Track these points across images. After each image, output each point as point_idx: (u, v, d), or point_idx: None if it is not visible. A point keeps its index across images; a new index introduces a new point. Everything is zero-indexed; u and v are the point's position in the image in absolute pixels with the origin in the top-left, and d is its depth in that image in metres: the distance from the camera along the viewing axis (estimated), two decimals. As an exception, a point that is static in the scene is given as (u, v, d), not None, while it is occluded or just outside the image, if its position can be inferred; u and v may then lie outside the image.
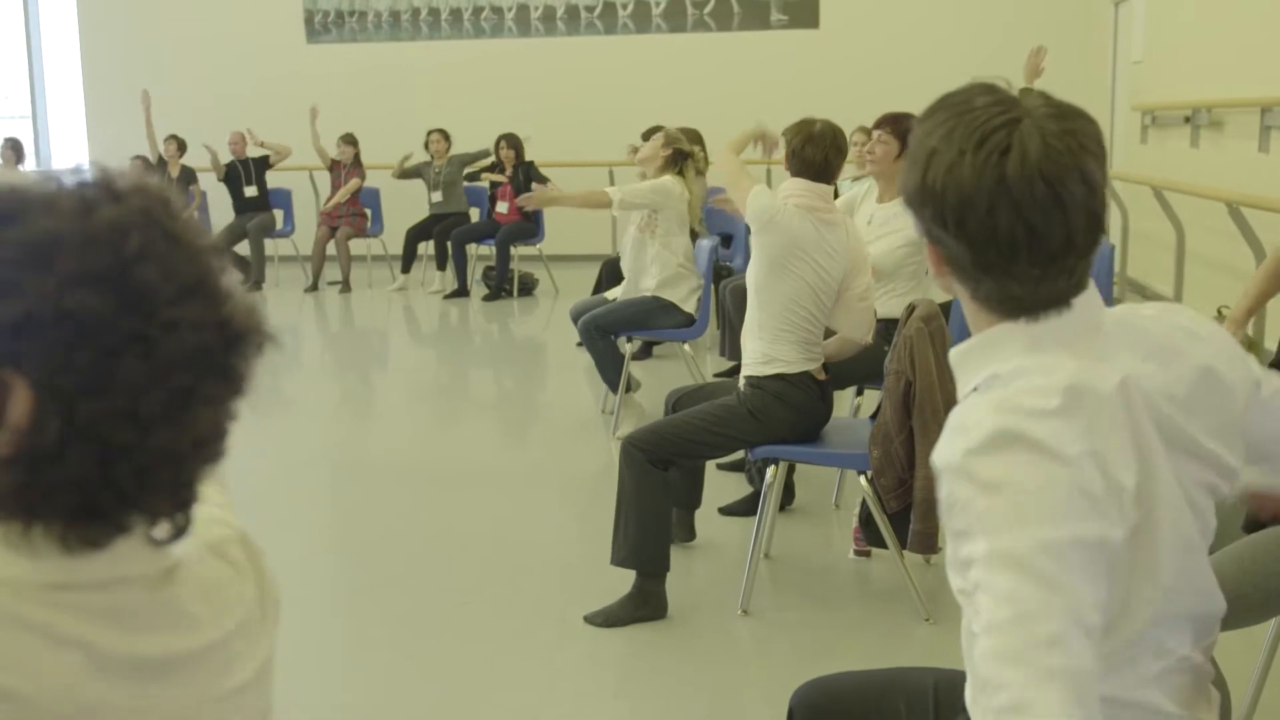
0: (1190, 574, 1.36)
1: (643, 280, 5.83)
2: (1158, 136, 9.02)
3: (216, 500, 1.09)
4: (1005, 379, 1.32)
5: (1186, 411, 1.35)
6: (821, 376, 3.71)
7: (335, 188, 10.81)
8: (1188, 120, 8.13)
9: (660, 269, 5.75)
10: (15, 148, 11.22)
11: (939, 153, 1.29)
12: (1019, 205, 1.25)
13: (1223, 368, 1.39)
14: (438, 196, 10.59)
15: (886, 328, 4.20)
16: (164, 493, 0.88)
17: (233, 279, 0.91)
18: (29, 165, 11.94)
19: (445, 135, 10.56)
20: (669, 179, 5.70)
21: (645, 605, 3.58)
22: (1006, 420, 1.24)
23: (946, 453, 1.28)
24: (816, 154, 3.64)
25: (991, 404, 1.28)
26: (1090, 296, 1.36)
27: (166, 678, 0.91)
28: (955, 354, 1.42)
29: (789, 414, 3.63)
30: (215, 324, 0.88)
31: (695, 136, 6.32)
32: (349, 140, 10.70)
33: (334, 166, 10.81)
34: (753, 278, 3.69)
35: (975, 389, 1.36)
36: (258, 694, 1.01)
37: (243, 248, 10.90)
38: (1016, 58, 11.31)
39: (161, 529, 0.91)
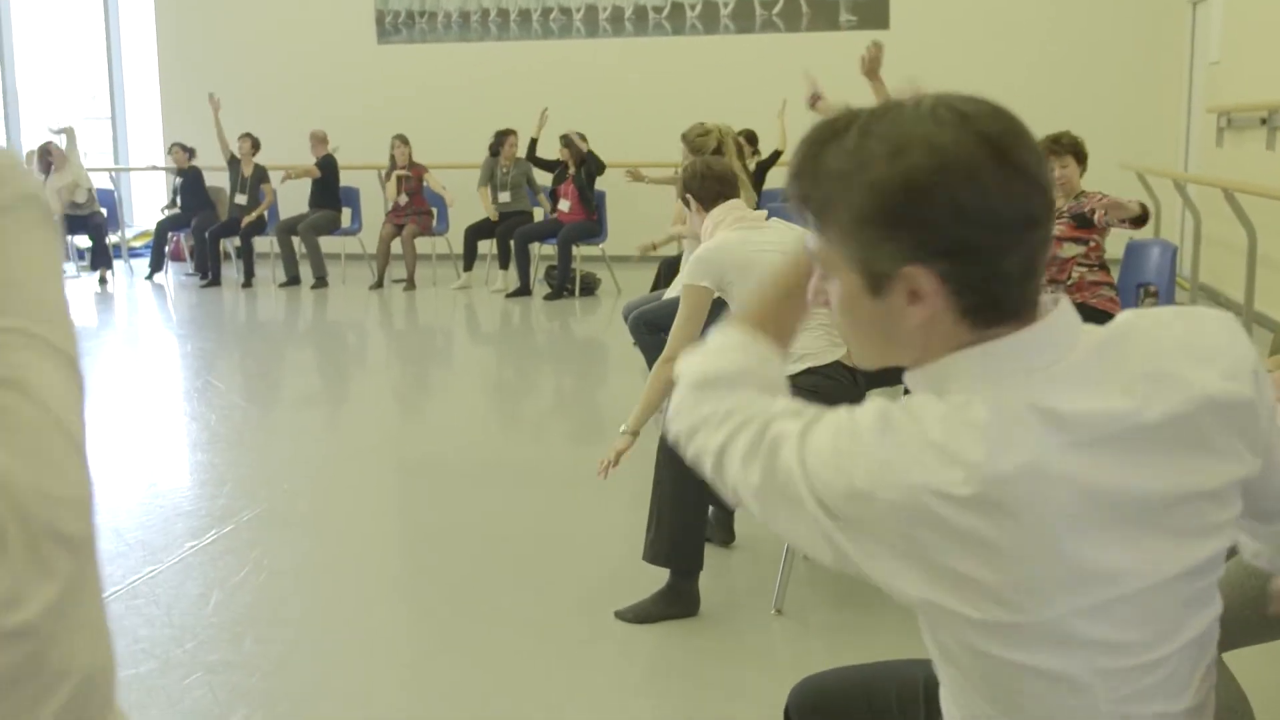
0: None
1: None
2: (1233, 139, 8.80)
3: None
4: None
5: (1164, 451, 1.19)
6: (850, 362, 3.66)
7: (401, 189, 10.85)
8: (1264, 122, 7.93)
9: None
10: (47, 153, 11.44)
11: (914, 142, 1.14)
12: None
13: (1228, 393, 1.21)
14: (505, 196, 10.63)
15: None
16: None
17: None
18: (105, 163, 12.18)
19: (513, 139, 10.62)
20: None
21: (677, 603, 3.54)
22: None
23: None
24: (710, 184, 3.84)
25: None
26: (1058, 318, 1.20)
27: None
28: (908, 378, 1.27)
29: (826, 407, 3.57)
30: None
31: (751, 137, 6.36)
32: (404, 140, 10.77)
33: (394, 167, 10.86)
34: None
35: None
36: None
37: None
38: (1091, 57, 11.20)
39: None
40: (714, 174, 3.86)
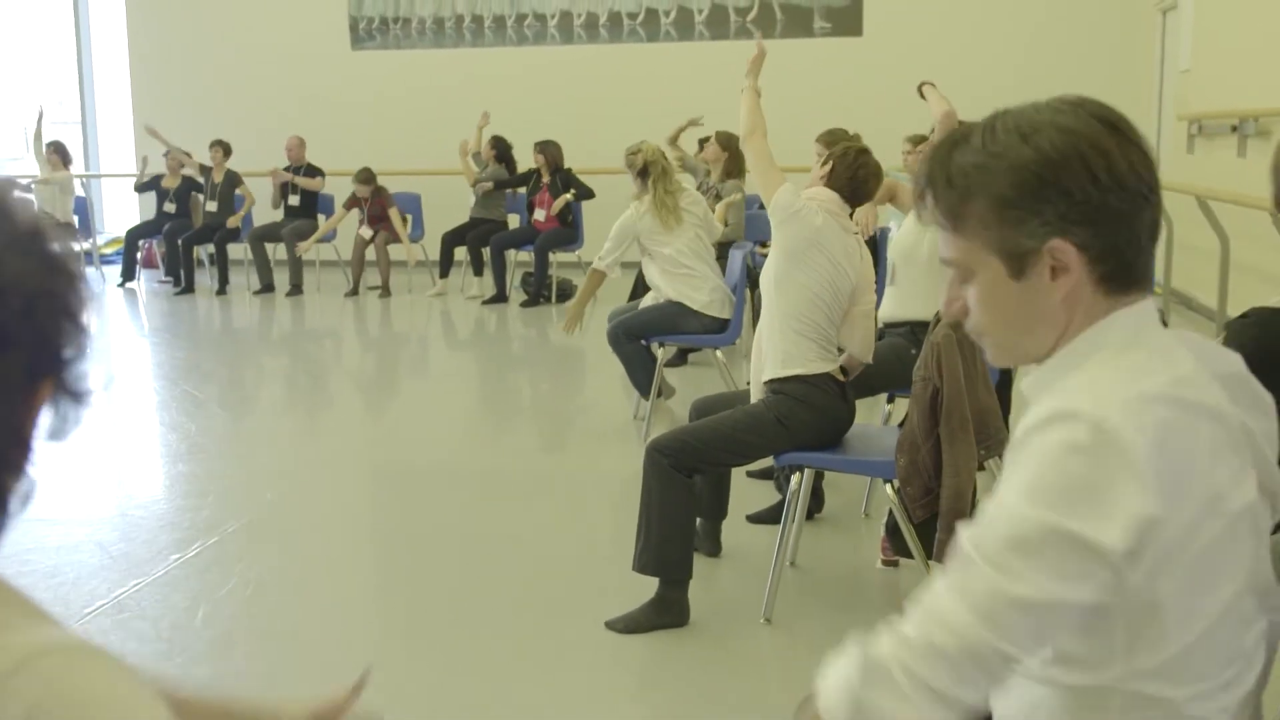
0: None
1: (659, 297, 5.94)
2: (1204, 146, 8.89)
3: None
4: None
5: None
6: (841, 377, 3.69)
7: (367, 222, 10.72)
8: (1234, 129, 8.01)
9: (668, 280, 5.84)
10: (59, 151, 11.43)
11: (1041, 127, 1.29)
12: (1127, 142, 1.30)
13: None
14: (478, 203, 10.65)
15: (914, 330, 4.26)
16: None
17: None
18: (76, 169, 12.11)
19: (493, 144, 10.60)
20: (626, 215, 5.94)
21: (667, 613, 3.55)
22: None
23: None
24: (857, 178, 3.75)
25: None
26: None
27: None
28: (1031, 382, 1.36)
29: (813, 417, 3.60)
30: None
31: (729, 141, 6.55)
32: (365, 179, 10.60)
33: (355, 203, 10.72)
34: (771, 273, 3.69)
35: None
36: None
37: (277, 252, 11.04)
38: (1062, 65, 11.29)
39: None
40: (866, 173, 3.81)
